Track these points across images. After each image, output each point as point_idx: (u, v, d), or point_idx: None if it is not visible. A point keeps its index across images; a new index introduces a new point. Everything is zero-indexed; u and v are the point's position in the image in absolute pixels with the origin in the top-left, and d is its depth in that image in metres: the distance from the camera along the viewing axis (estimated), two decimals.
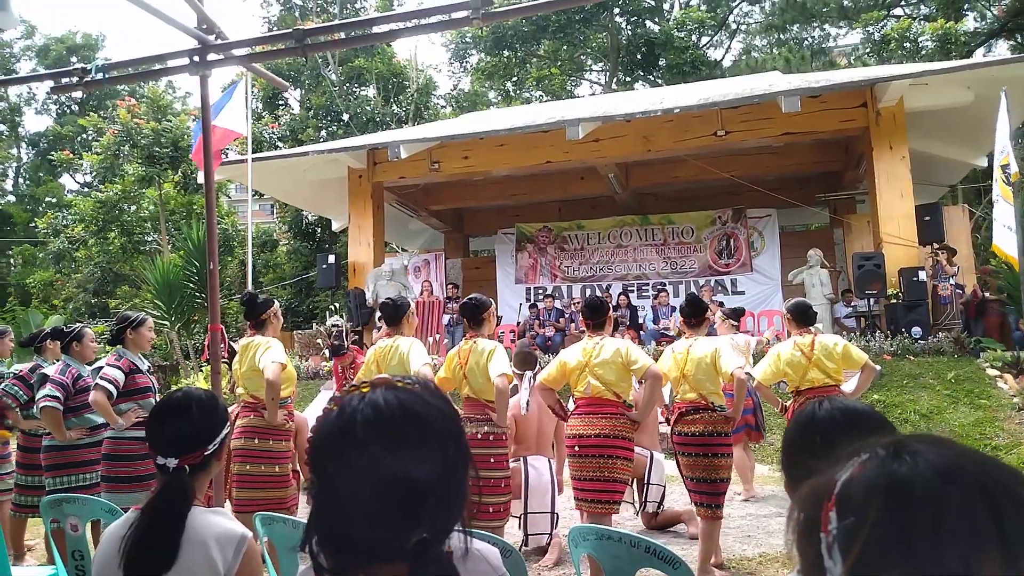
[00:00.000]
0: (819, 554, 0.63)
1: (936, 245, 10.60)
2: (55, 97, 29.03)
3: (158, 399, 4.37)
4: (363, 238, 12.56)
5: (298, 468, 4.75)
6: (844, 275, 12.55)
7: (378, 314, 5.68)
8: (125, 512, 1.81)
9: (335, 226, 16.09)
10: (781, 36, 24.61)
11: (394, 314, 4.53)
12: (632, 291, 13.64)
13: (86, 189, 26.16)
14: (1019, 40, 21.55)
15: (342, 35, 4.35)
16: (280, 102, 22.73)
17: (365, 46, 21.91)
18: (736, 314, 6.99)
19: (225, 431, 1.87)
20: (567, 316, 12.45)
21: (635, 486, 5.38)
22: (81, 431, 4.49)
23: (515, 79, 26.26)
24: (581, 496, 4.12)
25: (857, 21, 21.97)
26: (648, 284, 13.96)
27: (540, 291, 14.29)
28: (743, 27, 27.40)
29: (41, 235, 21.10)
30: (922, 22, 19.53)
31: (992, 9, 21.97)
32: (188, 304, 13.48)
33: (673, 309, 11.74)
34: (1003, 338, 9.66)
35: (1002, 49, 22.00)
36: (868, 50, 21.31)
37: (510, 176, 13.43)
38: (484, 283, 14.81)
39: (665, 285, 13.40)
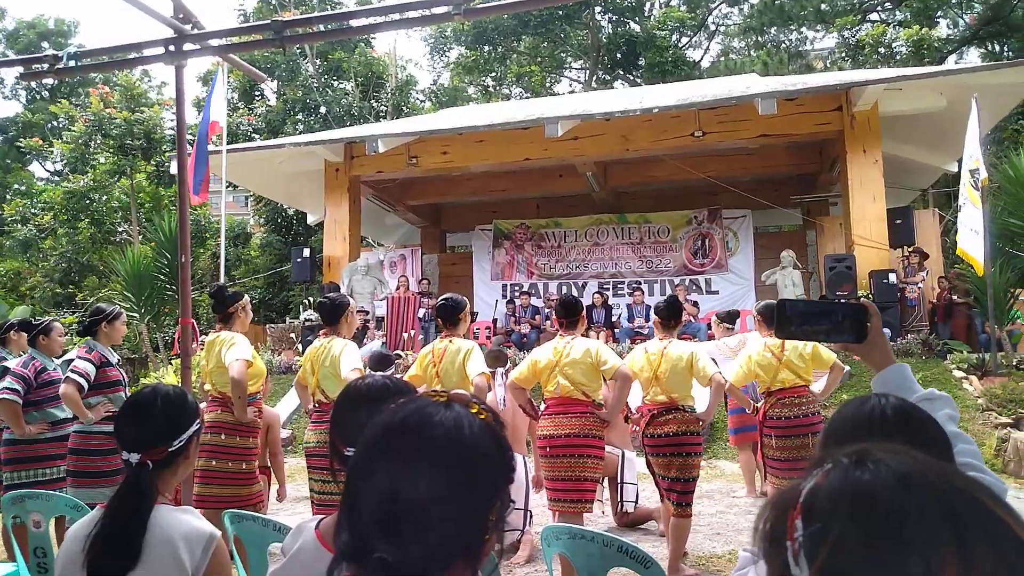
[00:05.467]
0: (785, 562, 0.64)
1: (908, 249, 10.78)
2: (25, 83, 28.43)
3: (128, 393, 4.31)
4: (339, 232, 12.47)
5: (268, 464, 4.71)
6: (816, 276, 12.71)
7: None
8: (92, 508, 1.79)
9: (310, 219, 15.95)
10: (759, 38, 24.83)
11: (332, 313, 4.37)
12: (608, 289, 13.69)
13: (56, 177, 25.69)
14: (989, 48, 21.96)
15: (321, 28, 4.31)
16: (256, 94, 22.48)
17: (344, 39, 21.74)
18: (731, 317, 7.08)
19: (194, 428, 1.84)
20: (543, 313, 12.47)
21: (608, 485, 5.41)
22: (42, 425, 4.40)
23: (495, 75, 26.24)
24: (553, 496, 4.14)
25: (833, 25, 22.24)
26: (624, 283, 14.03)
27: (516, 288, 14.29)
28: (722, 28, 27.62)
29: (8, 223, 20.68)
30: (897, 28, 19.82)
31: (964, 17, 22.35)
32: (159, 296, 13.30)
33: (648, 308, 11.80)
34: (969, 340, 9.85)
35: (973, 56, 22.42)
36: (844, 54, 21.59)
37: (488, 172, 13.40)
38: (460, 279, 14.78)
39: (641, 284, 13.47)
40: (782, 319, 1.42)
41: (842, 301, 1.56)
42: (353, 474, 0.92)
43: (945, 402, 1.45)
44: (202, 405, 4.26)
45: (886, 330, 9.40)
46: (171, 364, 11.63)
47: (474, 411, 0.95)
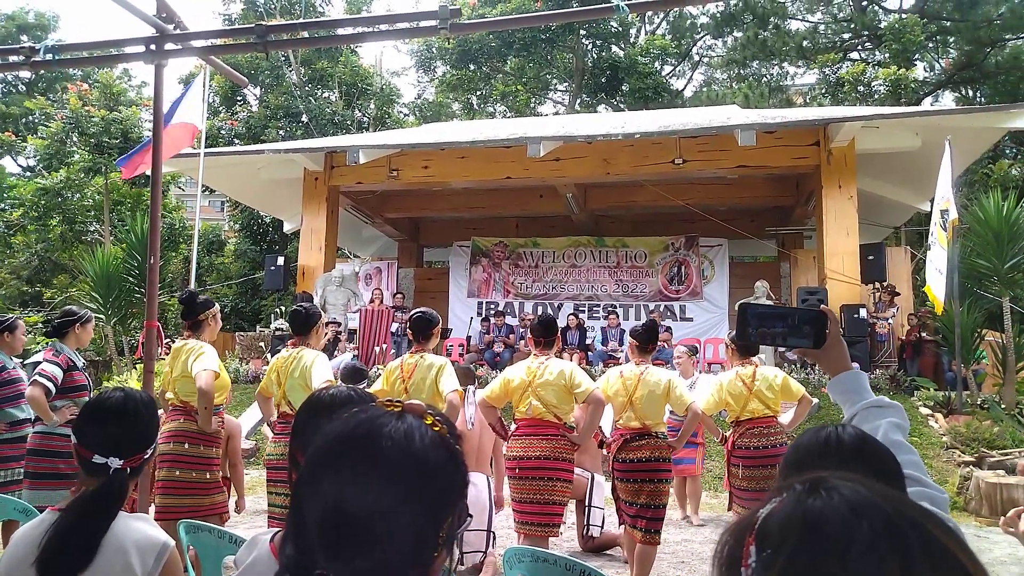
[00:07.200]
0: None
1: (881, 285, 10.92)
2: (1, 75, 27.98)
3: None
4: (315, 241, 12.37)
5: (227, 475, 4.60)
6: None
7: (326, 319, 5.57)
8: (41, 511, 1.74)
9: (287, 228, 15.82)
10: (741, 71, 25.25)
11: (305, 323, 4.31)
12: (583, 311, 13.71)
13: (28, 173, 25.27)
14: (963, 93, 22.54)
15: (305, 34, 4.29)
16: (238, 99, 22.35)
17: (328, 47, 21.73)
18: (694, 351, 7.23)
19: (158, 436, 1.84)
20: (517, 333, 12.43)
21: (575, 508, 5.36)
22: (0, 426, 4.28)
23: (479, 93, 26.34)
24: (520, 519, 4.09)
25: (814, 62, 22.69)
26: (599, 305, 14.05)
27: (492, 306, 14.26)
28: (705, 60, 28.04)
29: None
30: (876, 67, 20.25)
31: (940, 62, 22.94)
32: (126, 298, 13.04)
33: (623, 332, 11.83)
34: (936, 378, 9.99)
35: (948, 100, 23.00)
36: (823, 90, 22.02)
37: (469, 189, 13.41)
38: (436, 294, 14.72)
39: (616, 307, 13.50)
40: (742, 321, 1.44)
41: (801, 307, 1.59)
42: (300, 484, 0.89)
43: (894, 411, 1.45)
44: (160, 413, 4.18)
45: (855, 364, 9.56)
46: (135, 368, 11.40)
47: (428, 422, 0.91)
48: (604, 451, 4.88)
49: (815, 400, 5.28)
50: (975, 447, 7.88)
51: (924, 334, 10.57)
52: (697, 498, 6.59)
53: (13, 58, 3.83)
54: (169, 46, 3.62)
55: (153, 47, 3.59)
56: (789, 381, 4.82)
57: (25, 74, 25.70)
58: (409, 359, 4.27)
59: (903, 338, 10.72)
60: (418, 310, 4.47)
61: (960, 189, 12.18)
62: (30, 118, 24.98)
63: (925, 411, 8.80)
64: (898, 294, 11.13)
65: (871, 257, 10.85)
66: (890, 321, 10.56)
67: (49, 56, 3.67)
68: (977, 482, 7.11)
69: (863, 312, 10.11)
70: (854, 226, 10.63)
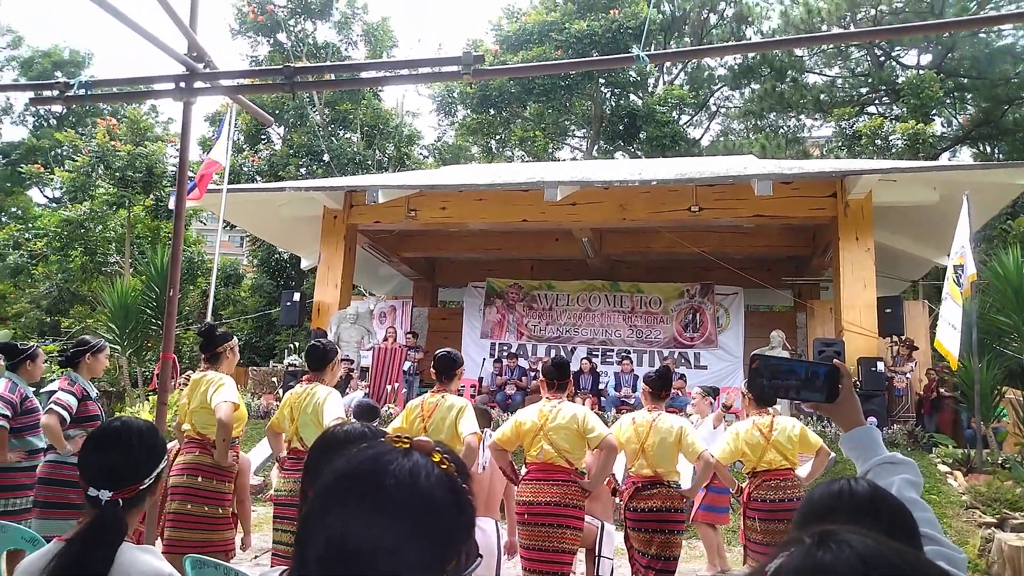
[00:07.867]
0: None
1: (899, 339, 10.79)
2: (33, 109, 28.70)
3: None
4: (331, 279, 12.44)
5: (234, 511, 4.57)
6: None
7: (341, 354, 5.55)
8: (48, 541, 1.73)
9: (304, 264, 15.95)
10: (758, 122, 25.43)
11: (321, 359, 4.31)
12: (596, 356, 13.64)
13: (54, 204, 25.74)
14: (981, 149, 22.57)
15: (331, 77, 4.37)
16: (262, 137, 22.76)
17: (352, 89, 22.14)
18: (714, 392, 7.16)
19: (162, 465, 1.81)
20: (529, 375, 12.37)
21: (584, 557, 5.25)
22: (20, 454, 4.29)
23: (499, 137, 26.67)
24: (528, 566, 4.01)
25: (831, 115, 22.84)
26: (613, 350, 13.98)
27: (505, 347, 14.23)
28: (723, 110, 28.30)
29: (1, 247, 20.57)
30: (893, 122, 20.34)
31: (958, 117, 23.03)
32: (143, 330, 13.14)
33: (636, 377, 11.73)
34: (955, 435, 9.80)
35: (965, 156, 23.01)
36: (840, 143, 22.11)
37: (485, 230, 13.49)
38: (449, 334, 14.71)
39: (630, 353, 13.43)
40: (754, 373, 1.43)
41: (814, 360, 1.58)
42: (306, 520, 0.88)
43: (908, 467, 1.44)
44: (171, 445, 4.17)
45: (872, 419, 9.40)
46: (148, 400, 11.42)
47: (435, 460, 0.90)
48: (617, 499, 4.80)
49: (833, 453, 5.20)
50: (996, 508, 7.67)
51: (942, 390, 10.40)
52: (711, 548, 6.44)
53: (48, 93, 3.93)
54: (198, 84, 3.71)
55: (183, 84, 3.68)
56: (807, 432, 4.75)
57: (57, 108, 26.36)
58: (430, 398, 4.25)
59: (921, 393, 10.56)
60: (443, 350, 4.43)
61: (979, 245, 12.13)
62: (59, 151, 25.54)
63: (944, 469, 8.61)
64: (916, 348, 10.98)
65: (889, 310, 10.75)
66: (908, 376, 10.40)
67: (82, 91, 3.76)
68: (1000, 544, 6.91)
69: (880, 366, 9.98)
70: (871, 278, 10.57)
